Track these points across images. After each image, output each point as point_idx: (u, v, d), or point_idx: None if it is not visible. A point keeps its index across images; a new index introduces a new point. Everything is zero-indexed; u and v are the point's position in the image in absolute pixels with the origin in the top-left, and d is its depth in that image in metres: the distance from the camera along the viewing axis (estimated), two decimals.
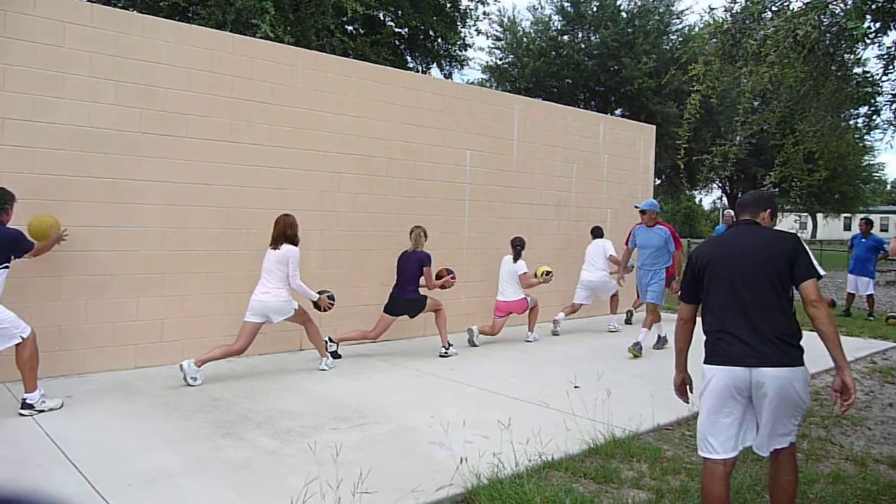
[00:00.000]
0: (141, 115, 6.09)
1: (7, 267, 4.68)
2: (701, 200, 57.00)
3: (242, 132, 6.70)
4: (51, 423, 4.47)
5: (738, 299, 2.94)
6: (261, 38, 9.28)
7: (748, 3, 6.23)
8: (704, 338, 3.11)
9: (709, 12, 6.79)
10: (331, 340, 6.81)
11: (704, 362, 3.11)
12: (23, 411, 4.64)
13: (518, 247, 7.94)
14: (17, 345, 4.65)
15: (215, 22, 10.88)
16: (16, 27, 5.47)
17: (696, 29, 21.66)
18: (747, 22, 6.10)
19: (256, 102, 6.77)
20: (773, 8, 6.09)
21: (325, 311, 6.44)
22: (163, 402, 5.09)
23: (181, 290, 6.39)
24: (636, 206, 8.01)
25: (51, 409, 4.73)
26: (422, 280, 7.04)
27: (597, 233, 9.30)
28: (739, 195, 34.79)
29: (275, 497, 3.40)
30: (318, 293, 6.30)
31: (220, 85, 6.54)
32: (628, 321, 9.94)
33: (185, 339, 6.38)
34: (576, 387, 5.72)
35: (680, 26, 22.50)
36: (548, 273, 8.13)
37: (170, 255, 6.32)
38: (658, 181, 25.37)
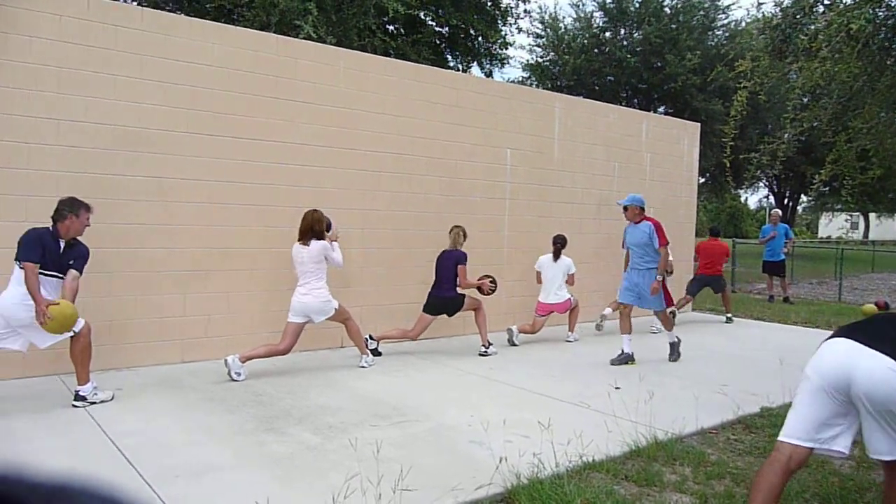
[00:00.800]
0: (187, 115, 6.23)
1: (47, 274, 4.74)
2: (746, 199, 55.82)
3: (285, 132, 6.80)
4: (102, 415, 4.61)
5: None
6: (303, 38, 9.40)
7: None
8: None
9: (757, 7, 6.66)
10: (371, 338, 6.86)
11: None
12: (76, 403, 4.79)
13: (559, 245, 7.89)
14: (70, 338, 4.81)
15: (259, 23, 11.05)
16: (71, 31, 5.65)
17: (743, 24, 21.20)
18: (798, 16, 5.96)
19: (299, 102, 6.86)
20: (826, 2, 5.93)
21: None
22: (208, 397, 5.20)
23: (225, 286, 6.52)
24: (618, 203, 7.43)
25: (102, 402, 4.88)
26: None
27: None
28: (787, 194, 33.99)
29: (317, 492, 3.44)
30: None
31: (264, 85, 6.65)
32: None
33: (229, 335, 6.51)
34: (616, 388, 5.66)
35: (726, 21, 22.03)
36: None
37: (215, 253, 6.45)
38: (702, 180, 24.91)
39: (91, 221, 4.92)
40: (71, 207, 4.79)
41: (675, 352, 7.10)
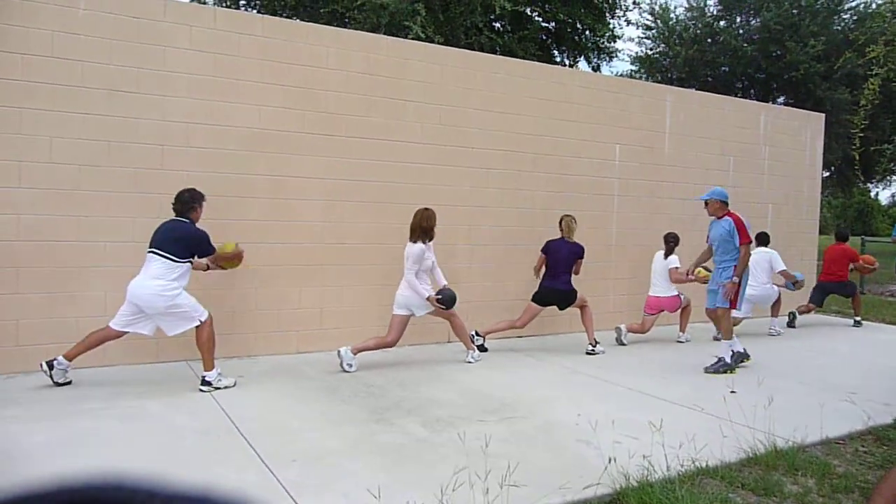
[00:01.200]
0: (304, 116, 6.51)
1: (191, 261, 5.19)
2: (877, 194, 51.83)
3: (395, 131, 6.97)
4: (226, 400, 4.91)
5: None
6: (412, 39, 9.58)
7: None
8: None
9: None
10: (477, 334, 6.92)
11: None
12: (202, 387, 5.14)
13: (671, 242, 7.64)
14: (196, 327, 5.17)
15: (370, 25, 11.38)
16: (200, 40, 6.04)
17: (874, 6, 19.68)
18: None
19: (408, 101, 7.02)
20: None
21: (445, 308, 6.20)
22: (323, 386, 5.42)
23: (338, 281, 6.77)
24: (698, 198, 7.00)
25: (226, 387, 5.20)
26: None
27: (762, 240, 8.67)
28: None
29: (425, 483, 3.52)
30: (438, 291, 6.16)
31: (376, 86, 6.84)
32: (791, 324, 9.26)
33: (342, 328, 6.76)
34: (732, 392, 5.43)
35: (853, 4, 20.52)
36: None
37: (329, 248, 6.71)
38: (826, 174, 23.36)
39: (208, 216, 5.33)
40: (199, 199, 5.27)
41: (719, 365, 6.37)
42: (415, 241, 6.10)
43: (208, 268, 5.47)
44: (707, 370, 6.35)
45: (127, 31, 5.77)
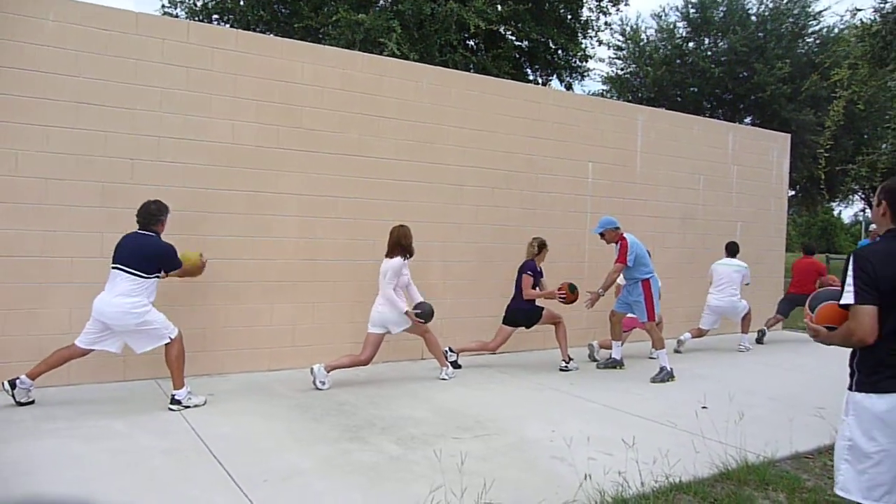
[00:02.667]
0: (278, 131, 6.48)
1: (159, 276, 5.08)
2: (840, 213, 53.06)
3: (370, 147, 6.96)
4: (196, 419, 4.81)
5: None
6: (388, 55, 9.61)
7: None
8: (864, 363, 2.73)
9: (852, 14, 6.36)
10: (451, 350, 6.90)
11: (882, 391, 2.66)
12: (172, 406, 5.03)
13: None
14: (165, 344, 5.07)
15: (345, 41, 11.39)
16: (171, 54, 5.98)
17: (836, 30, 20.26)
18: None
19: (384, 118, 7.02)
20: None
21: (424, 322, 6.24)
22: (294, 404, 5.35)
23: (311, 297, 6.70)
24: (593, 232, 7.49)
25: (196, 406, 5.10)
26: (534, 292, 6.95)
27: (731, 250, 8.80)
28: None
29: (400, 502, 3.48)
30: (415, 306, 6.20)
31: (351, 101, 6.84)
32: (760, 340, 9.39)
33: (315, 345, 6.69)
34: (703, 407, 5.48)
35: (817, 28, 21.11)
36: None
37: (302, 265, 6.65)
38: (792, 192, 23.87)
39: (180, 231, 5.25)
40: (165, 211, 5.19)
41: (664, 374, 6.68)
42: (392, 258, 6.07)
43: (166, 275, 5.24)
44: (653, 380, 6.63)
45: (97, 44, 5.69)
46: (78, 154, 5.65)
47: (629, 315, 7.49)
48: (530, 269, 6.91)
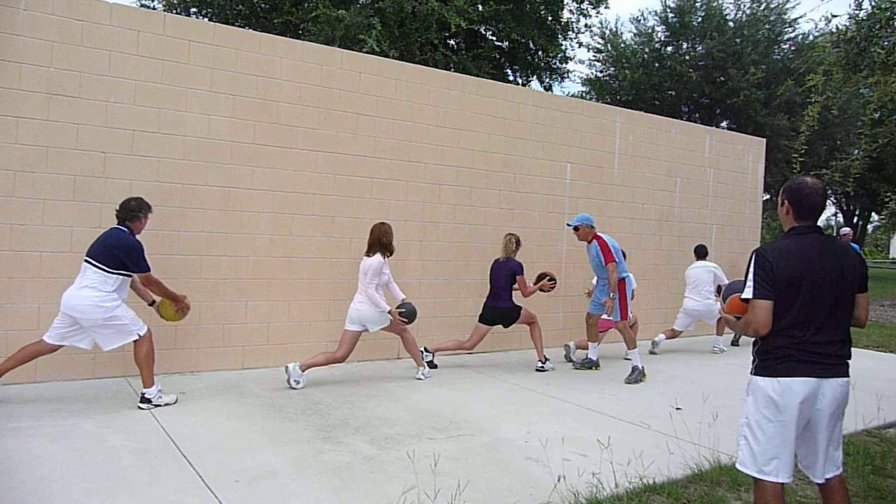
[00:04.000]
0: (255, 126, 6.40)
1: (125, 274, 4.92)
2: None
3: (348, 144, 6.91)
4: (166, 418, 4.73)
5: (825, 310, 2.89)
6: (367, 53, 9.56)
7: (875, 9, 5.86)
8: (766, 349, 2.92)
9: (827, 21, 6.46)
10: (427, 350, 6.87)
11: (773, 375, 2.88)
12: (141, 405, 4.94)
13: None
14: (134, 341, 4.96)
15: (325, 38, 11.30)
16: (147, 46, 5.88)
17: (811, 37, 20.59)
18: (874, 29, 5.74)
19: (362, 115, 6.97)
20: None
21: (407, 322, 6.26)
22: (268, 404, 5.28)
23: (286, 295, 6.63)
24: (567, 224, 7.44)
25: (166, 405, 5.02)
26: (516, 288, 6.96)
27: (700, 253, 8.85)
28: (857, 212, 32.70)
29: (373, 502, 3.45)
30: (399, 305, 6.19)
31: (329, 98, 6.78)
32: (735, 342, 9.49)
33: (289, 344, 6.62)
34: (677, 409, 5.51)
35: (792, 35, 21.44)
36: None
37: (277, 262, 6.58)
38: (767, 196, 24.20)
39: (153, 227, 5.15)
40: (146, 209, 5.09)
41: (636, 375, 6.72)
42: (372, 256, 6.02)
43: (153, 303, 5.35)
44: (627, 381, 6.65)
45: (70, 34, 5.58)
46: (49, 146, 5.53)
47: (604, 317, 7.52)
48: (521, 268, 6.93)
